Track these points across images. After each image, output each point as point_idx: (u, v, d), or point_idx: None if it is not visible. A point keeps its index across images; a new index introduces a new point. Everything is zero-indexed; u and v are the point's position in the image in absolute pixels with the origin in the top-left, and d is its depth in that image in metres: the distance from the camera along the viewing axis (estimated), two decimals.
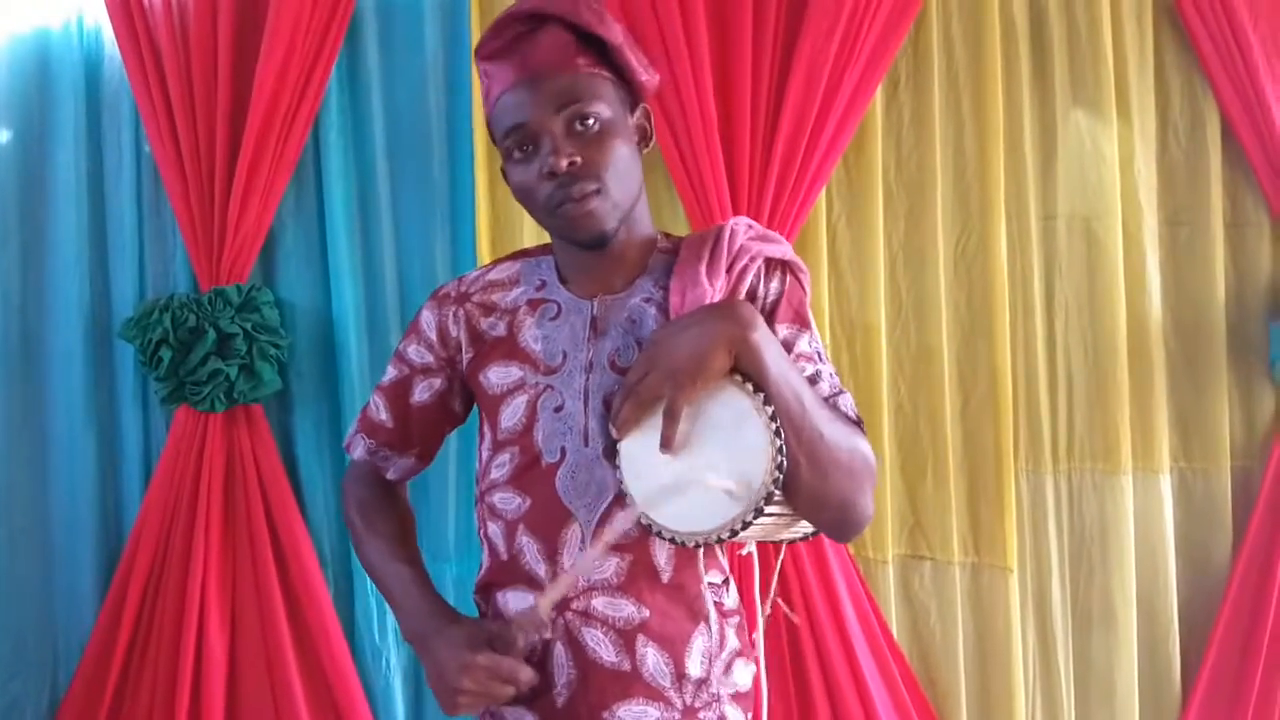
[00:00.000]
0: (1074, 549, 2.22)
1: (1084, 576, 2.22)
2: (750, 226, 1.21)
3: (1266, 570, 2.20)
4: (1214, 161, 2.26)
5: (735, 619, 1.19)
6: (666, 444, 1.01)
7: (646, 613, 1.11)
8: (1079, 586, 2.22)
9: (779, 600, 1.25)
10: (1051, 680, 2.21)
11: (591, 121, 1.11)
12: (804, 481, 1.03)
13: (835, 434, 1.05)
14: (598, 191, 1.11)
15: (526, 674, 1.07)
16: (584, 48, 1.13)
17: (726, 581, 1.19)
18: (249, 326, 2.08)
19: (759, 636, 1.15)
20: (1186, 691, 2.22)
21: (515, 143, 1.13)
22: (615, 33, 1.14)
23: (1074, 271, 2.23)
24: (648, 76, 1.19)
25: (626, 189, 1.15)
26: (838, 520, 1.09)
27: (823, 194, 2.18)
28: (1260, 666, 2.18)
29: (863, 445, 1.09)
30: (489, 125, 1.19)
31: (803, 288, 1.20)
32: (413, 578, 1.22)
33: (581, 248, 1.17)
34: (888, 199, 2.21)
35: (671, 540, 1.05)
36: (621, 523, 1.05)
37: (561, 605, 1.12)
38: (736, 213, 2.11)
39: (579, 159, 1.10)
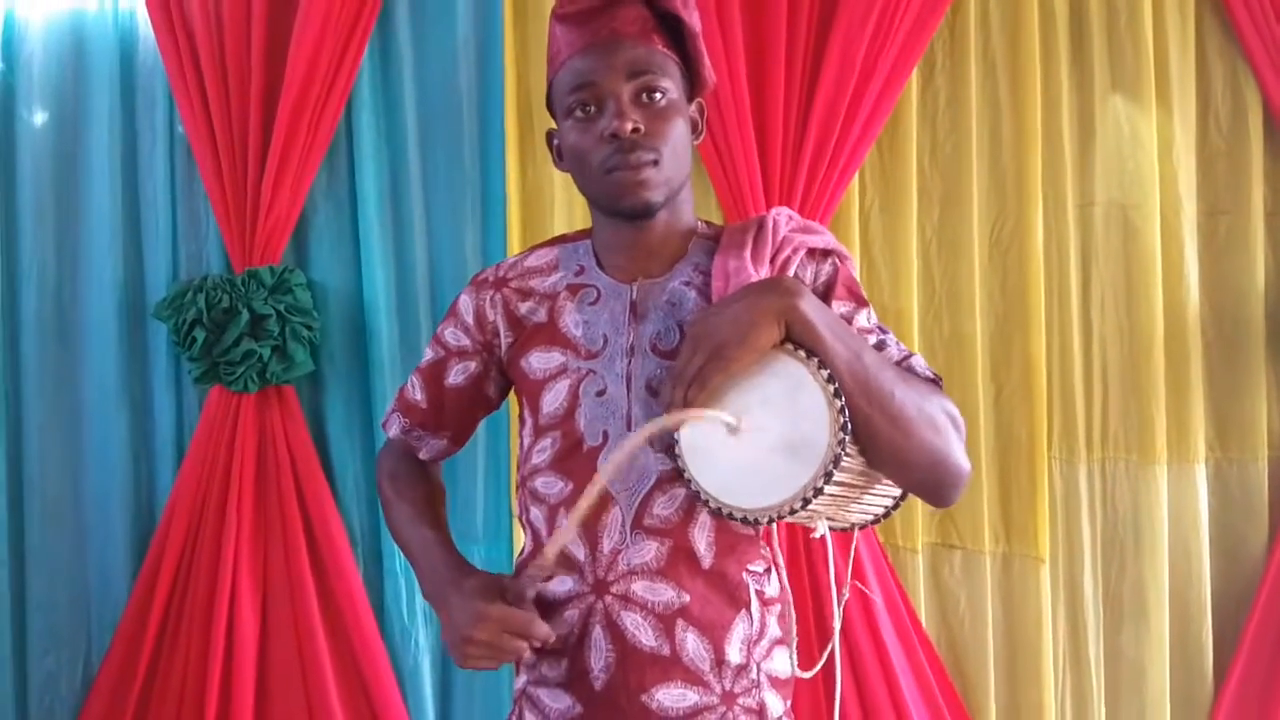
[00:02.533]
0: (1107, 539, 2.20)
1: (1116, 567, 2.20)
2: (791, 218, 1.21)
3: None
4: (1255, 150, 2.21)
5: (776, 607, 1.18)
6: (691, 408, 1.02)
7: (686, 598, 1.11)
8: (1111, 577, 2.20)
9: (858, 583, 1.25)
10: (1081, 671, 2.19)
11: (659, 95, 1.13)
12: (885, 441, 1.02)
13: (908, 391, 1.04)
14: (654, 163, 1.12)
15: (541, 629, 1.07)
16: (660, 28, 1.15)
17: (769, 570, 1.18)
18: (282, 308, 2.09)
19: (836, 623, 1.13)
20: (1218, 684, 2.20)
21: (579, 101, 1.14)
22: (695, 19, 1.16)
23: (1111, 260, 2.20)
24: (709, 74, 1.21)
25: (679, 168, 1.16)
26: (931, 480, 1.08)
27: (856, 179, 2.16)
28: None
29: (944, 400, 1.08)
30: (550, 87, 1.19)
31: (850, 270, 1.20)
32: (436, 540, 1.22)
33: (623, 219, 1.17)
34: (922, 185, 2.19)
35: (744, 520, 1.03)
36: (638, 435, 1.03)
37: (600, 588, 1.12)
38: (769, 197, 2.10)
39: (642, 127, 1.11)
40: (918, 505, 2.15)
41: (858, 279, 1.21)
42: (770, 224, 1.18)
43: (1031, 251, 2.16)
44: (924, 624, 2.16)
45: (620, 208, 1.15)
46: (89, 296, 2.22)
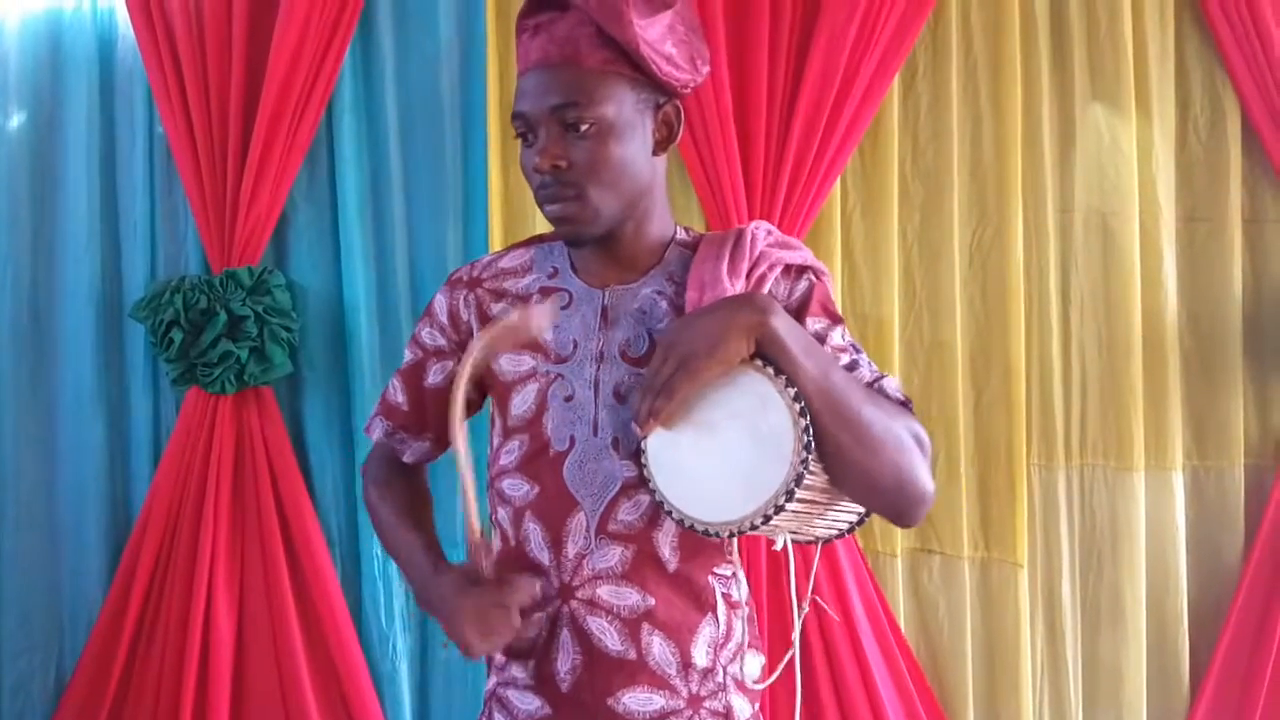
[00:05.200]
0: (1085, 545, 2.21)
1: (1094, 573, 2.21)
2: (770, 232, 1.20)
3: (1278, 570, 2.18)
4: (1234, 157, 2.23)
5: (743, 611, 1.18)
6: (658, 417, 1.02)
7: (651, 601, 1.11)
8: (1089, 583, 2.21)
9: (818, 599, 1.24)
10: (1060, 676, 2.20)
11: (586, 126, 1.09)
12: (851, 461, 1.02)
13: (876, 412, 1.04)
14: (576, 197, 1.10)
15: (519, 592, 1.07)
16: (603, 42, 1.10)
17: (735, 574, 1.18)
18: (260, 309, 2.08)
19: (795, 636, 1.13)
20: (1195, 689, 2.21)
21: (518, 129, 1.14)
22: (632, 33, 1.08)
23: (1090, 266, 2.21)
24: (688, 74, 1.15)
25: (617, 194, 1.12)
26: (897, 501, 1.07)
27: (838, 185, 2.16)
28: (1269, 666, 2.16)
29: (911, 423, 1.08)
30: None
31: (827, 287, 1.19)
32: (420, 544, 1.22)
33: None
34: (903, 191, 2.20)
35: (705, 532, 1.03)
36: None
37: (566, 593, 1.12)
38: (751, 202, 2.10)
39: (563, 162, 1.09)
40: None
41: (834, 296, 1.20)
42: (749, 237, 1.17)
43: (1011, 258, 2.17)
44: (903, 629, 2.17)
45: (559, 234, 1.17)
46: (65, 296, 2.20)
